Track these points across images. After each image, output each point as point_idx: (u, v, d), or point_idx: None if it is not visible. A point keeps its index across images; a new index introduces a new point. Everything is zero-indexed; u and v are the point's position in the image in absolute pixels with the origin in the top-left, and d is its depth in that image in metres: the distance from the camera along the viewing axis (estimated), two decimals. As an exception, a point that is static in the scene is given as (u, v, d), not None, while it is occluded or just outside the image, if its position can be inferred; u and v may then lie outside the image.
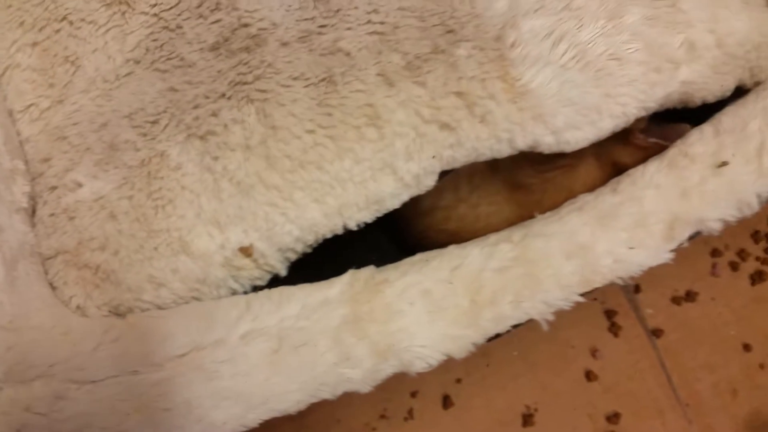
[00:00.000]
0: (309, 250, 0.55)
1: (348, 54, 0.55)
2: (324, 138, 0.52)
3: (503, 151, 0.53)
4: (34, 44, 0.60)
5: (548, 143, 0.53)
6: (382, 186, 0.53)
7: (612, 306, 0.76)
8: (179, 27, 0.61)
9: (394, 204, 0.54)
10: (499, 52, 0.52)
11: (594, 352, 0.74)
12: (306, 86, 0.54)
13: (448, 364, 0.72)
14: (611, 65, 0.53)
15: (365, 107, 0.52)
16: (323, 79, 0.54)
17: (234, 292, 0.53)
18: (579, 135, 0.54)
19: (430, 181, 0.54)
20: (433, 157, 0.52)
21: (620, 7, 0.54)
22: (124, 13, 0.61)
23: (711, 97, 0.59)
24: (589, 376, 0.73)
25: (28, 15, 0.61)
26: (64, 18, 0.61)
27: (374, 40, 0.55)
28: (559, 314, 0.74)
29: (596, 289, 0.76)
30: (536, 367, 0.73)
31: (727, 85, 0.60)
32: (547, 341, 0.74)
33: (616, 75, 0.53)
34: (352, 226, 0.54)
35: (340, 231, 0.54)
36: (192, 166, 0.53)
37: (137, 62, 0.61)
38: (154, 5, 0.62)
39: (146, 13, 0.62)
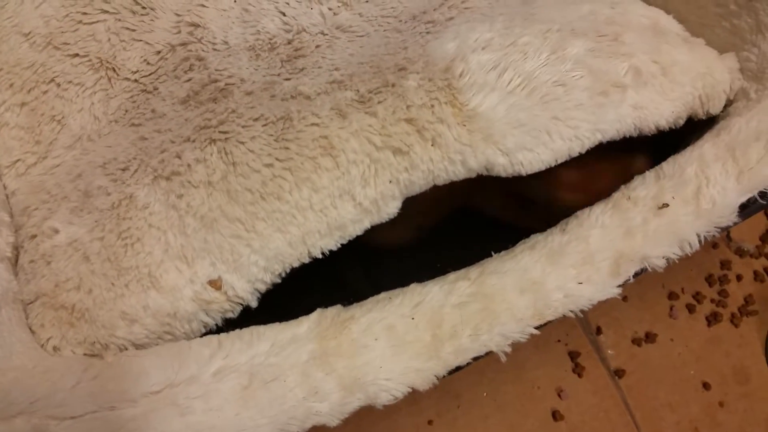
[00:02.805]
0: (278, 280, 0.55)
1: (308, 97, 0.58)
2: (282, 170, 0.54)
3: (459, 173, 0.55)
4: (23, 104, 0.63)
5: (502, 164, 0.55)
6: (342, 212, 0.54)
7: (575, 347, 0.79)
8: (156, 89, 0.65)
9: (356, 230, 0.55)
10: (447, 81, 0.55)
11: (560, 392, 0.76)
12: (265, 125, 0.56)
13: (420, 405, 0.74)
14: (557, 90, 0.55)
15: (320, 139, 0.54)
16: (281, 118, 0.56)
17: (206, 326, 0.54)
18: (532, 157, 0.55)
19: (392, 208, 0.55)
20: (390, 181, 0.54)
21: (563, 41, 0.57)
22: (110, 79, 0.65)
23: (664, 122, 0.60)
24: (556, 415, 0.75)
25: (17, 78, 0.63)
26: (52, 80, 0.64)
27: (333, 87, 0.58)
28: (525, 356, 0.77)
29: (558, 329, 0.79)
30: (505, 407, 0.75)
31: (678, 112, 0.60)
32: (514, 382, 0.76)
33: (562, 99, 0.55)
34: (317, 253, 0.55)
35: (306, 259, 0.55)
36: (158, 206, 0.55)
37: (117, 122, 0.64)
38: (135, 72, 0.66)
39: (128, 79, 0.65)
